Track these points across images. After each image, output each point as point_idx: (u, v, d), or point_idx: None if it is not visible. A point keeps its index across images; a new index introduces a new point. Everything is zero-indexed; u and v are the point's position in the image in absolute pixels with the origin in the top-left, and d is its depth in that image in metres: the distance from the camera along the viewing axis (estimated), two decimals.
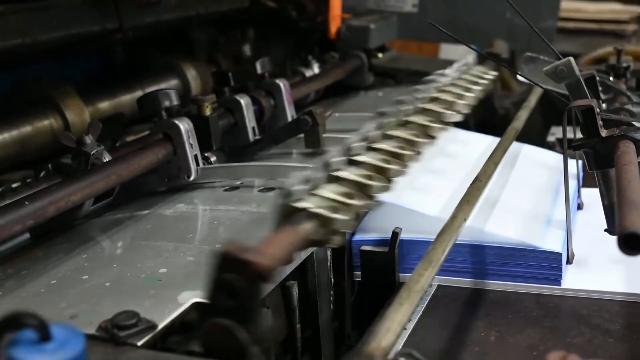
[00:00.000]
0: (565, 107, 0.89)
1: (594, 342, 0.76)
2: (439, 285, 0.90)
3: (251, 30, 1.72)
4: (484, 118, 1.61)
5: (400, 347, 0.76)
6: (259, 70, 1.37)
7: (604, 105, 1.05)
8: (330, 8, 1.73)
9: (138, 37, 1.39)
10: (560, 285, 0.87)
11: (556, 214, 0.98)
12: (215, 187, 1.07)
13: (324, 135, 1.19)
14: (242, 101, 1.22)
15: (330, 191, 0.68)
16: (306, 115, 1.17)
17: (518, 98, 1.63)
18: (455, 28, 1.69)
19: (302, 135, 1.19)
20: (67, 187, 0.88)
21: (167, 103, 1.10)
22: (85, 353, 0.50)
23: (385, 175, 0.74)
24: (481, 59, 1.51)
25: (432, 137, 0.87)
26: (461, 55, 1.59)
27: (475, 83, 1.14)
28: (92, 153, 0.95)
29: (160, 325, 0.65)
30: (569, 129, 0.92)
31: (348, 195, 0.68)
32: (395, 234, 0.90)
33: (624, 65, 1.43)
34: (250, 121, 1.23)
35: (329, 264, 0.92)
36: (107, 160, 0.97)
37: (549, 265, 0.88)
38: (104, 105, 1.27)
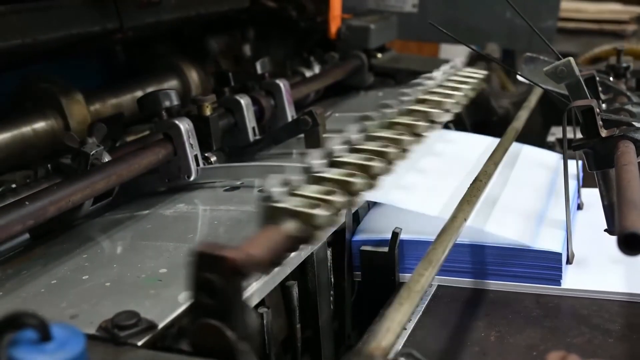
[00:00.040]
0: (565, 108, 0.89)
1: (594, 342, 0.76)
2: (439, 285, 0.90)
3: (251, 31, 1.72)
4: (482, 118, 1.61)
5: (400, 347, 0.76)
6: (259, 70, 1.37)
7: (604, 106, 1.05)
8: (330, 8, 1.73)
9: (138, 37, 1.39)
10: (560, 285, 0.87)
11: (556, 214, 0.98)
12: (216, 187, 1.07)
13: (324, 135, 1.19)
14: (242, 101, 1.22)
15: (310, 191, 0.69)
16: (306, 115, 1.17)
17: (518, 98, 1.63)
18: (455, 28, 1.69)
19: (302, 135, 1.19)
20: (67, 187, 0.88)
21: (167, 103, 1.10)
22: (86, 353, 0.50)
23: (367, 173, 0.75)
24: (472, 60, 1.51)
25: (419, 135, 0.87)
26: (461, 55, 1.59)
27: (464, 82, 1.14)
28: (91, 153, 0.96)
29: (161, 325, 0.65)
30: (569, 129, 0.92)
31: (328, 193, 0.68)
32: (395, 234, 0.90)
33: (624, 65, 1.43)
34: (250, 121, 1.23)
35: (329, 264, 0.92)
36: (106, 160, 0.97)
37: (549, 265, 0.88)
38: (104, 105, 1.27)
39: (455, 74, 1.20)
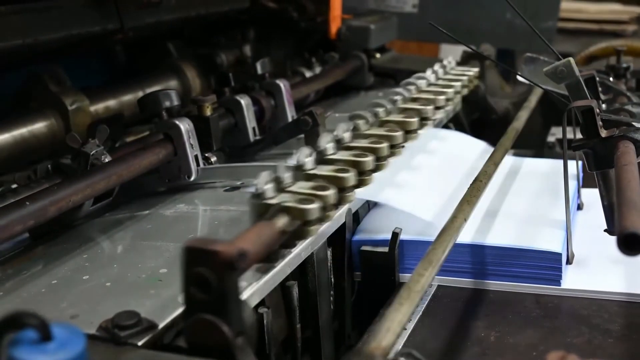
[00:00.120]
0: (565, 108, 0.89)
1: (594, 342, 0.76)
2: (439, 286, 0.91)
3: (251, 31, 1.72)
4: (480, 117, 1.61)
5: (400, 347, 0.76)
6: (259, 70, 1.37)
7: (603, 106, 1.05)
8: (330, 8, 1.73)
9: (139, 38, 1.39)
10: (560, 285, 0.87)
11: (556, 214, 0.98)
12: (216, 187, 1.07)
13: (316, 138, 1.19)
14: (242, 101, 1.22)
15: (301, 187, 0.70)
16: (306, 115, 1.17)
17: (518, 98, 1.63)
18: (455, 29, 1.69)
19: (302, 135, 1.19)
20: (67, 188, 0.88)
21: (167, 103, 1.10)
22: (86, 353, 0.50)
23: (358, 168, 0.75)
24: (465, 59, 1.51)
25: (410, 132, 0.87)
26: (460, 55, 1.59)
27: (455, 80, 1.15)
28: (91, 153, 0.96)
29: (161, 325, 0.65)
30: (569, 129, 0.92)
31: (319, 188, 0.69)
32: (395, 234, 0.90)
33: (624, 65, 1.43)
34: (250, 121, 1.23)
35: (329, 264, 0.92)
36: (107, 160, 0.97)
37: (548, 265, 0.88)
38: (105, 105, 1.27)
39: (446, 73, 1.20)
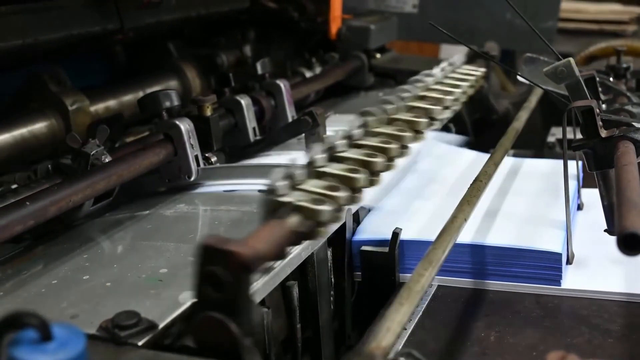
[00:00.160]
0: (565, 108, 0.89)
1: (594, 342, 0.76)
2: (439, 286, 0.91)
3: (252, 31, 1.72)
4: (482, 117, 1.61)
5: (400, 347, 0.76)
6: (259, 70, 1.37)
7: (603, 106, 1.05)
8: (330, 9, 1.73)
9: (139, 38, 1.39)
10: (560, 285, 0.87)
11: (556, 214, 0.98)
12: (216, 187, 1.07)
13: (324, 135, 1.19)
14: (242, 102, 1.22)
15: (314, 185, 0.69)
16: (307, 115, 1.17)
17: (519, 98, 1.63)
18: (455, 29, 1.69)
19: (302, 135, 1.19)
20: (67, 188, 0.88)
21: (167, 104, 1.10)
22: (86, 353, 0.50)
23: (369, 169, 0.74)
24: (471, 58, 1.51)
25: (419, 132, 0.87)
26: (461, 54, 1.59)
27: (463, 80, 1.14)
28: (92, 154, 0.96)
29: (161, 325, 0.65)
30: (569, 129, 0.92)
31: (332, 188, 0.68)
32: (395, 234, 0.90)
33: (624, 65, 1.43)
34: (250, 121, 1.23)
35: (329, 264, 0.92)
36: (107, 160, 0.97)
37: (548, 265, 0.88)
38: (105, 105, 1.27)
39: (454, 71, 1.19)
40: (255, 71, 1.37)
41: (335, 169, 0.73)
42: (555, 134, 1.51)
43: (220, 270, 0.55)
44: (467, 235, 0.92)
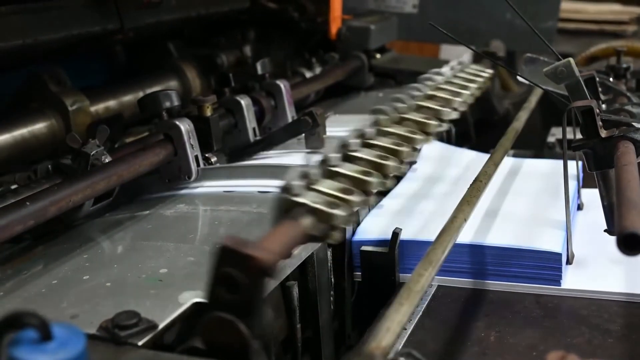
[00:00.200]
0: (565, 108, 0.89)
1: (594, 342, 0.76)
2: (439, 286, 0.91)
3: (252, 31, 1.72)
4: (483, 118, 1.61)
5: (400, 347, 0.76)
6: (259, 71, 1.37)
7: (603, 106, 1.05)
8: (330, 9, 1.73)
9: (139, 38, 1.39)
10: (560, 285, 0.87)
11: (556, 214, 0.98)
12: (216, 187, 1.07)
13: (324, 135, 1.19)
14: (242, 102, 1.22)
15: (328, 186, 0.68)
16: (306, 116, 1.17)
17: (519, 98, 1.63)
18: (455, 29, 1.69)
19: (302, 135, 1.19)
20: (67, 188, 0.88)
21: (167, 104, 1.10)
22: (86, 352, 0.50)
23: (382, 172, 0.74)
24: (477, 58, 1.51)
25: (428, 134, 0.87)
26: (462, 55, 1.59)
27: (472, 81, 1.14)
28: (92, 154, 0.96)
29: (161, 325, 0.65)
30: (569, 129, 0.92)
31: (346, 191, 0.68)
32: (395, 234, 0.90)
33: (624, 66, 1.43)
34: (250, 122, 1.23)
35: (329, 264, 0.92)
36: (107, 160, 0.97)
37: (548, 265, 0.88)
38: (105, 105, 1.27)
39: (463, 71, 1.18)
40: (255, 71, 1.37)
41: (348, 169, 0.72)
42: (555, 134, 1.51)
43: (237, 273, 0.54)
44: (467, 235, 0.92)
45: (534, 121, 1.49)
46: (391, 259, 0.91)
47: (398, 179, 1.14)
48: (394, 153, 0.78)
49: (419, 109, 0.92)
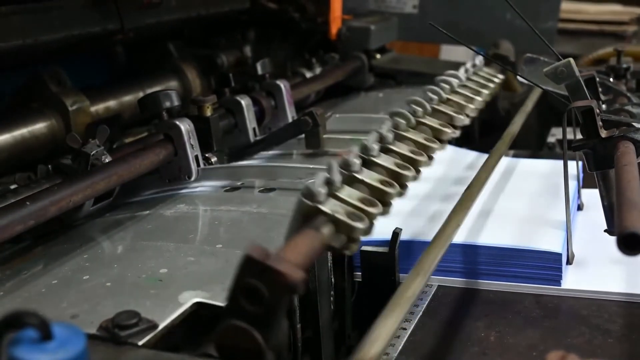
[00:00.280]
0: (565, 108, 0.89)
1: (594, 342, 0.76)
2: (439, 286, 0.91)
3: (252, 32, 1.72)
4: (487, 119, 1.61)
5: (401, 347, 0.76)
6: (259, 71, 1.37)
7: (603, 106, 1.05)
8: (330, 9, 1.73)
9: (139, 38, 1.39)
10: (560, 285, 0.87)
11: (556, 214, 0.98)
12: (216, 187, 1.07)
13: (325, 136, 1.19)
14: (242, 102, 1.22)
15: (349, 195, 0.66)
16: (307, 116, 1.18)
17: (519, 99, 1.63)
18: (455, 29, 1.69)
19: (302, 136, 1.19)
20: (68, 188, 0.88)
21: (167, 104, 1.10)
22: (86, 352, 0.50)
23: (399, 181, 0.72)
24: (487, 60, 1.51)
25: (442, 141, 0.86)
26: (462, 56, 1.59)
27: (484, 86, 1.13)
28: (92, 154, 0.96)
29: (161, 325, 0.65)
30: (569, 130, 0.92)
31: (367, 202, 0.66)
32: (395, 234, 0.90)
33: (624, 66, 1.43)
34: (250, 122, 1.23)
35: (329, 264, 0.92)
36: (107, 160, 0.97)
37: (548, 265, 0.88)
38: (105, 105, 1.27)
39: (476, 74, 1.17)
40: (255, 71, 1.37)
41: (369, 177, 0.69)
42: (555, 134, 1.51)
43: (261, 286, 0.53)
44: (467, 235, 0.92)
45: (534, 121, 1.49)
46: (391, 259, 0.90)
47: None
48: (412, 162, 0.77)
49: (435, 113, 0.91)
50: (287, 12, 1.72)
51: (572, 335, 0.77)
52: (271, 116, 1.30)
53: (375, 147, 0.74)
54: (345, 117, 1.43)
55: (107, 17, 1.20)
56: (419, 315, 0.83)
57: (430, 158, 0.80)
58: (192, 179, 1.07)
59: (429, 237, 0.75)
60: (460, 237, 0.90)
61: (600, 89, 1.05)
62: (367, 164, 0.73)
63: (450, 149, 1.30)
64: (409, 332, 0.80)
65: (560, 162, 0.93)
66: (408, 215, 1.01)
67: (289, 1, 1.73)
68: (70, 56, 1.31)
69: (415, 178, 0.75)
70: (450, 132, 0.87)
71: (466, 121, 0.95)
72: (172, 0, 1.32)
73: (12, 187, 0.99)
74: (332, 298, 0.93)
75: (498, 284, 0.89)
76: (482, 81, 1.14)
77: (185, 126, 1.06)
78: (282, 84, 1.32)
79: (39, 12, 1.08)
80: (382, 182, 0.70)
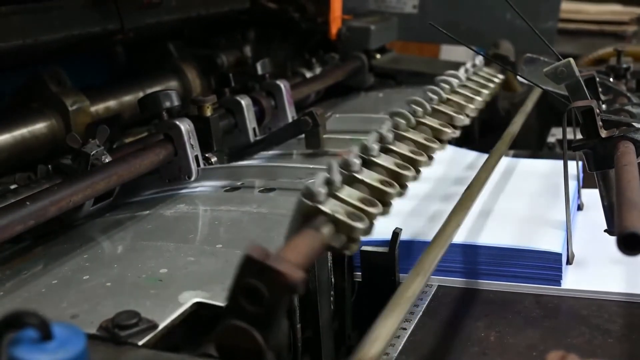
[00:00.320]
0: (565, 108, 0.89)
1: (594, 342, 0.76)
2: (439, 286, 0.91)
3: (252, 32, 1.72)
4: (487, 119, 1.61)
5: (401, 347, 0.76)
6: (259, 71, 1.37)
7: (604, 106, 1.05)
8: (330, 9, 1.73)
9: (139, 38, 1.39)
10: (560, 285, 0.87)
11: (556, 214, 0.98)
12: (216, 187, 1.07)
13: (325, 136, 1.19)
14: (242, 102, 1.22)
15: (349, 195, 0.66)
16: (307, 116, 1.18)
17: (518, 99, 1.63)
18: (455, 29, 1.69)
19: (302, 136, 1.19)
20: (68, 188, 0.88)
21: (167, 104, 1.10)
22: (86, 352, 0.50)
23: (399, 182, 0.72)
24: (487, 60, 1.51)
25: (442, 142, 0.86)
26: (462, 56, 1.59)
27: (484, 86, 1.13)
28: (92, 154, 0.96)
29: (161, 325, 0.65)
30: (569, 129, 0.92)
31: (367, 202, 0.66)
32: (395, 234, 0.90)
33: (624, 66, 1.43)
34: (250, 122, 1.23)
35: (329, 264, 0.92)
36: (107, 160, 0.97)
37: (549, 265, 0.88)
38: (105, 105, 1.27)
39: (477, 74, 1.17)
40: (255, 71, 1.37)
41: (369, 177, 0.70)
42: (555, 134, 1.51)
43: (261, 286, 0.53)
44: (467, 235, 0.92)
45: (534, 122, 1.49)
46: (391, 259, 0.90)
47: None
48: (412, 162, 0.77)
49: (435, 113, 0.91)
50: (287, 12, 1.72)
51: (572, 335, 0.77)
52: (271, 116, 1.30)
53: (375, 147, 0.74)
54: (345, 117, 1.43)
55: (107, 17, 1.20)
56: (419, 315, 0.83)
57: (430, 158, 0.80)
58: (192, 179, 1.07)
59: (429, 237, 0.75)
60: (460, 237, 0.90)
61: (600, 89, 1.05)
62: (367, 164, 0.73)
63: (450, 149, 1.30)
64: (409, 332, 0.80)
65: (560, 162, 0.93)
66: (408, 215, 1.01)
67: (289, 1, 1.73)
68: (70, 56, 1.31)
69: (415, 178, 0.75)
70: (450, 132, 0.87)
71: (466, 121, 0.95)
72: (172, 0, 1.32)
73: (12, 187, 0.98)
74: (332, 298, 0.93)
75: (498, 284, 0.89)
76: (482, 81, 1.14)
77: (185, 126, 1.06)
78: (282, 84, 1.32)
79: (39, 12, 1.08)
80: (382, 182, 0.70)
